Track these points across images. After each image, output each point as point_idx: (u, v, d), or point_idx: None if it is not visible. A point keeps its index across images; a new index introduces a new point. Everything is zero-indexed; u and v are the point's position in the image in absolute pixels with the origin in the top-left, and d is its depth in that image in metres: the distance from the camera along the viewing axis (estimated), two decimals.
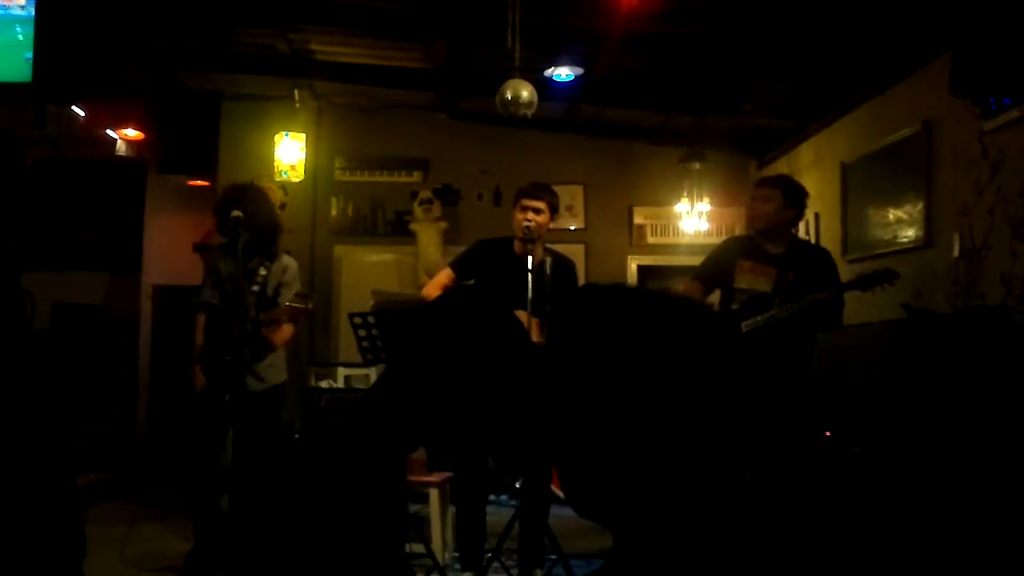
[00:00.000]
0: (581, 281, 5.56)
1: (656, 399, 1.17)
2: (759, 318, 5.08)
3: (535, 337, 4.61)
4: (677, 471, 1.16)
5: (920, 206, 5.72)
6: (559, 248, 5.48)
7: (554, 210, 5.19)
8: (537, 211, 5.07)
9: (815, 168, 7.66)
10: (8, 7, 5.82)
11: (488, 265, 5.20)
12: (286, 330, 5.17)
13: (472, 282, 5.19)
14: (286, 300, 5.01)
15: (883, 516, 4.35)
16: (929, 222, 5.62)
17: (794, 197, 5.40)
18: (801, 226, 7.82)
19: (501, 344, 1.83)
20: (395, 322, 4.60)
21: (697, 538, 1.14)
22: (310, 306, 4.95)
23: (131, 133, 8.03)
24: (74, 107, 7.43)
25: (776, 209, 5.32)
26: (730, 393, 1.20)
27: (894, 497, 4.54)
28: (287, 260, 5.36)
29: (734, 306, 5.22)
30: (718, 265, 5.43)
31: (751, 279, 5.26)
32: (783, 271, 5.21)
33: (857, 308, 6.00)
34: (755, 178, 8.70)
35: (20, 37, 5.79)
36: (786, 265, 5.23)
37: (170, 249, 9.93)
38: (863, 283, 5.08)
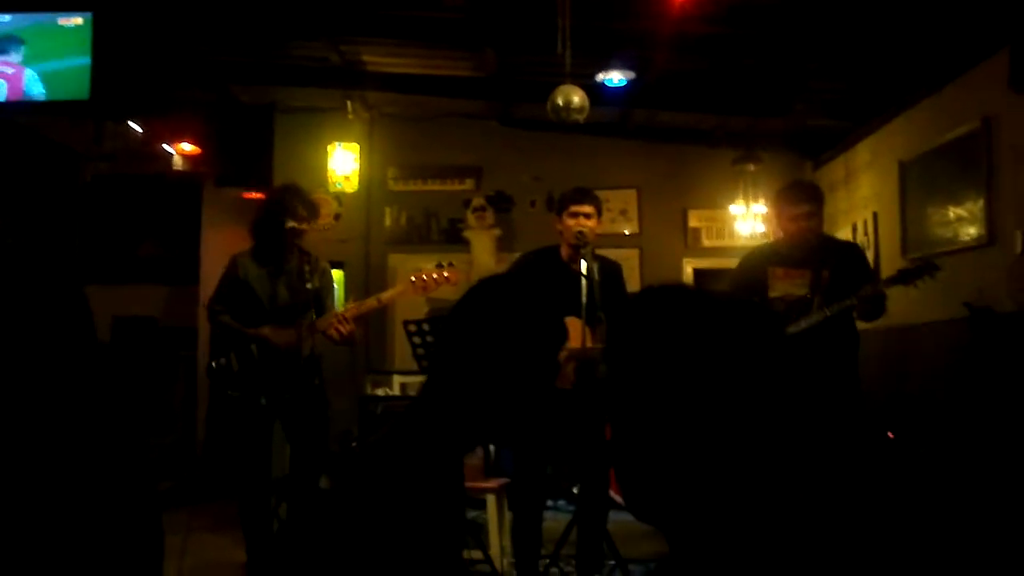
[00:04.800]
0: (630, 284, 5.48)
1: (716, 401, 1.15)
2: (802, 322, 4.96)
3: (589, 343, 4.59)
4: (737, 475, 1.14)
5: (981, 204, 5.62)
6: (615, 253, 5.44)
7: (599, 214, 5.13)
8: (588, 216, 5.04)
9: (872, 167, 7.56)
10: (65, 25, 5.93)
11: (537, 276, 5.17)
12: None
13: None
14: (335, 305, 5.30)
15: (945, 514, 4.28)
16: (990, 220, 5.52)
17: (822, 201, 5.25)
18: (859, 225, 7.75)
19: (543, 336, 1.81)
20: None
21: (754, 543, 1.12)
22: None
23: (187, 148, 8.11)
24: (131, 123, 7.54)
25: (819, 222, 5.17)
26: (790, 396, 1.18)
27: (957, 497, 4.47)
28: (324, 263, 5.42)
29: None
30: (749, 280, 5.20)
31: (786, 285, 5.09)
32: (816, 271, 5.08)
33: (919, 307, 5.91)
34: (812, 179, 8.61)
35: (78, 56, 5.89)
36: (818, 264, 5.10)
37: (227, 261, 10.02)
38: (904, 277, 4.94)
